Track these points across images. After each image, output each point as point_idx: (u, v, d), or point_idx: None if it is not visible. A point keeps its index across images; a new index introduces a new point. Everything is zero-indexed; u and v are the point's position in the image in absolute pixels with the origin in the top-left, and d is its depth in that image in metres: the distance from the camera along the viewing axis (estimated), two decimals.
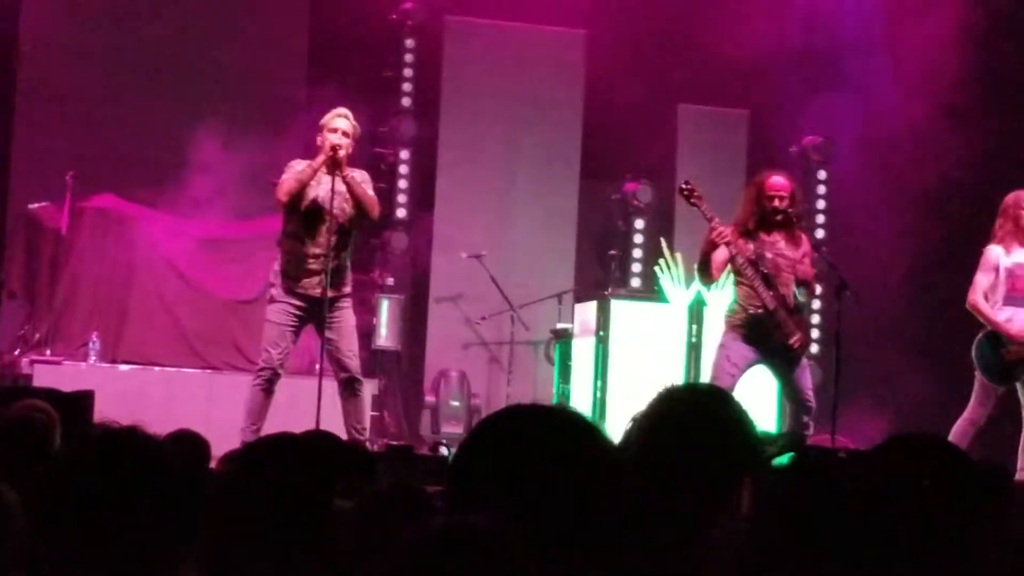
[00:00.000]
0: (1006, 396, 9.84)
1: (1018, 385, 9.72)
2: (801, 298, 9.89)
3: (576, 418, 2.32)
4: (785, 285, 9.61)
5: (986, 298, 9.78)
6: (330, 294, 9.37)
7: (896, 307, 13.49)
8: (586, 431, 2.29)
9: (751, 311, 9.54)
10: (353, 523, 3.62)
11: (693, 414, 2.87)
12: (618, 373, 12.21)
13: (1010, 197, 9.84)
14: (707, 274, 9.60)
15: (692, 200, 9.53)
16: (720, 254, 9.49)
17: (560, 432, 2.25)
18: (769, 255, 9.56)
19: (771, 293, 9.50)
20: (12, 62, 13.47)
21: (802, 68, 13.30)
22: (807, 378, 9.70)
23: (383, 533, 3.31)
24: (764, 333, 9.52)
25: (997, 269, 9.71)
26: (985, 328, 9.77)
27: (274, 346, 9.47)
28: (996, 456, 8.67)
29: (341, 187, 9.33)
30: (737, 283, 9.70)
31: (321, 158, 9.37)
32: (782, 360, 9.61)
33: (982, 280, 9.75)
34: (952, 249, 12.19)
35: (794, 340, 9.56)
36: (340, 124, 9.47)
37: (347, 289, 9.63)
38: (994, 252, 9.73)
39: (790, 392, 9.67)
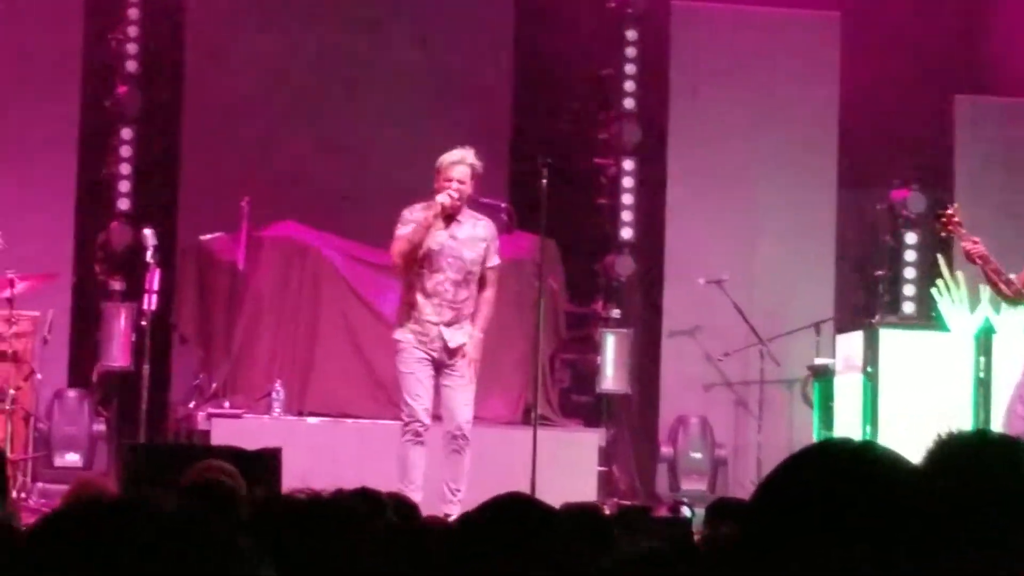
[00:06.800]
0: None
1: None
2: None
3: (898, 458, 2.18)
4: None
5: None
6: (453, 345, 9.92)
7: None
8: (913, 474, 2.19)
9: None
10: None
11: (981, 468, 2.55)
12: (890, 416, 11.79)
13: None
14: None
15: (949, 228, 9.91)
16: None
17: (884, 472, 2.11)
18: None
19: None
20: (178, 81, 13.41)
21: None
22: None
23: None
24: None
25: None
26: None
27: (416, 398, 9.93)
28: None
29: (461, 234, 9.81)
30: None
31: (432, 212, 9.66)
32: None
33: None
34: None
35: None
36: (456, 173, 9.64)
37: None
38: None
39: None
